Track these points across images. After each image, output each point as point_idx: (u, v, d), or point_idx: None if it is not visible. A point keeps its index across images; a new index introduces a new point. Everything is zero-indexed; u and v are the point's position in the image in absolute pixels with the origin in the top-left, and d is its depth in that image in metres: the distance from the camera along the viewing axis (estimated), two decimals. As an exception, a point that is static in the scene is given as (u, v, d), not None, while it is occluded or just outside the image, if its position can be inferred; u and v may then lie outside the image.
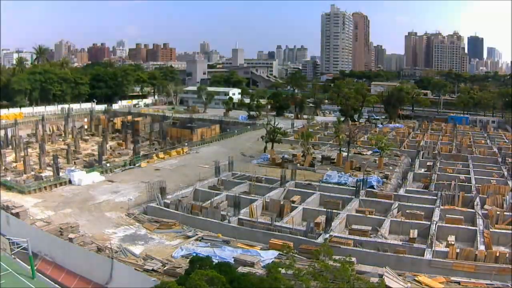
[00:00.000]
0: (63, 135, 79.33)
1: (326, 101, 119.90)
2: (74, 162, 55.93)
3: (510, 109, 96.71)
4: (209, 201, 37.29)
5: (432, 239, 29.01)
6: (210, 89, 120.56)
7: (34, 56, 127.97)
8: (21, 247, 26.31)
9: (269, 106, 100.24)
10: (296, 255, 25.52)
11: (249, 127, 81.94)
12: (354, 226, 32.59)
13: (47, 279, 25.73)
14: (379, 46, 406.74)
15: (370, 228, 32.29)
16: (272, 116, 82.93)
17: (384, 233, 31.74)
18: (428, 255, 27.12)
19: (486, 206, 37.36)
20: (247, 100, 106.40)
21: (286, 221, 32.94)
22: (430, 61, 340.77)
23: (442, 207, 36.74)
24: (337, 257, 21.76)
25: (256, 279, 19.66)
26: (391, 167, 52.37)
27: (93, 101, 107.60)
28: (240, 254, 27.00)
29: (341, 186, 43.11)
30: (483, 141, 73.39)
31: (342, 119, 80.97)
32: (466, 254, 26.86)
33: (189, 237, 30.99)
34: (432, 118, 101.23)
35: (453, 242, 29.96)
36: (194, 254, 25.89)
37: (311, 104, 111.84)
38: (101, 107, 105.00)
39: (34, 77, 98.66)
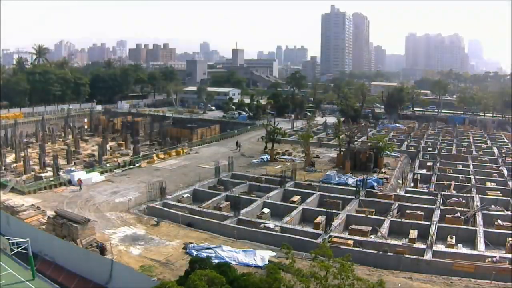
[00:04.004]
0: (63, 135, 79.33)
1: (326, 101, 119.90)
2: (74, 162, 55.91)
3: (510, 109, 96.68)
4: (209, 201, 37.35)
5: (432, 239, 29.00)
6: (210, 89, 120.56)
7: (34, 56, 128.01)
8: (21, 247, 26.32)
9: (269, 106, 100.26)
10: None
11: (249, 127, 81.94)
12: (354, 226, 32.59)
13: (47, 279, 25.74)
14: (379, 46, 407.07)
15: (370, 228, 32.29)
16: (272, 116, 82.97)
17: (384, 233, 31.74)
18: (428, 255, 27.11)
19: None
20: (247, 100, 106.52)
21: (286, 221, 32.95)
22: (430, 62, 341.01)
23: (442, 207, 36.76)
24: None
25: (256, 279, 19.64)
26: (391, 167, 52.40)
27: (93, 101, 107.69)
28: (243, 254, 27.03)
29: (341, 186, 43.10)
30: (483, 141, 73.40)
31: (342, 119, 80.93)
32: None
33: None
34: (432, 118, 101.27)
35: (453, 242, 30.02)
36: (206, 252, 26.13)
37: (311, 104, 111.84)
38: (101, 107, 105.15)
39: (34, 77, 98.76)
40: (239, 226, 32.02)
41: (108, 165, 52.31)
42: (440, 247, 29.17)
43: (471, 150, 64.12)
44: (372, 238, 30.59)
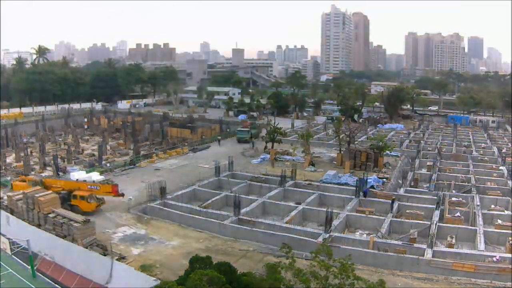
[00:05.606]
0: (63, 135, 79.34)
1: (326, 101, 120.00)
2: (74, 162, 55.87)
3: (510, 109, 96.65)
4: (209, 201, 37.33)
5: (432, 239, 29.00)
6: (210, 89, 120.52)
7: (34, 56, 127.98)
8: (21, 247, 26.34)
9: (269, 106, 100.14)
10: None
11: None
12: (353, 226, 32.56)
13: (47, 279, 25.75)
14: (379, 46, 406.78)
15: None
16: (272, 116, 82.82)
17: (384, 233, 31.73)
18: (428, 255, 27.11)
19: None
20: (247, 100, 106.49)
21: (286, 221, 32.94)
22: (430, 61, 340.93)
23: (442, 207, 36.73)
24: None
25: (256, 279, 19.65)
26: (391, 167, 52.38)
27: (93, 101, 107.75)
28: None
29: (341, 186, 43.08)
30: (483, 141, 73.37)
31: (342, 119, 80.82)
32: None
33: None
34: (432, 118, 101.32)
35: (453, 242, 30.00)
36: None
37: (311, 104, 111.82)
38: (101, 106, 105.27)
39: (34, 77, 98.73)
40: (239, 226, 32.06)
41: (108, 164, 52.26)
42: (440, 247, 29.18)
43: (471, 150, 64.10)
44: (364, 236, 30.52)
